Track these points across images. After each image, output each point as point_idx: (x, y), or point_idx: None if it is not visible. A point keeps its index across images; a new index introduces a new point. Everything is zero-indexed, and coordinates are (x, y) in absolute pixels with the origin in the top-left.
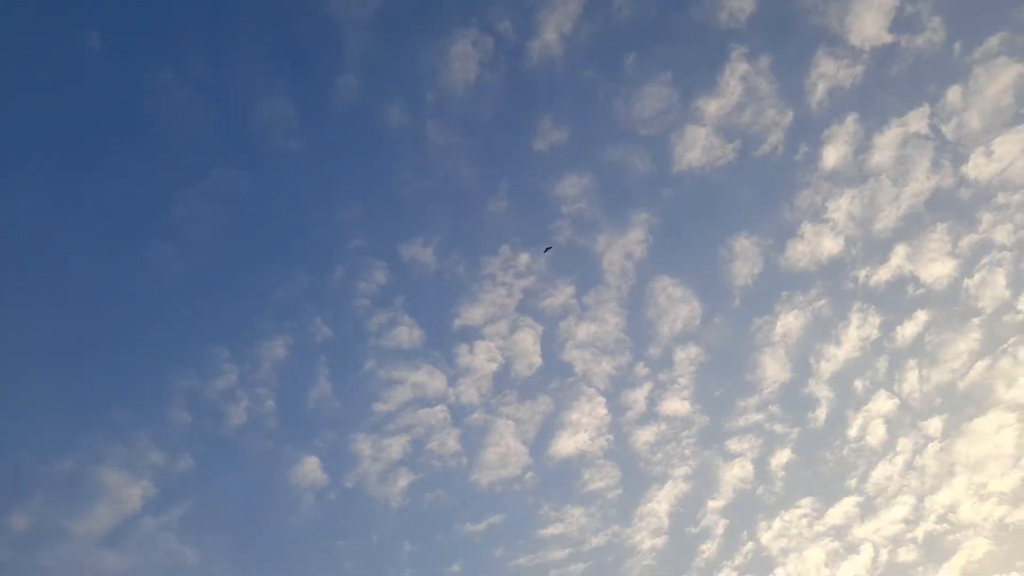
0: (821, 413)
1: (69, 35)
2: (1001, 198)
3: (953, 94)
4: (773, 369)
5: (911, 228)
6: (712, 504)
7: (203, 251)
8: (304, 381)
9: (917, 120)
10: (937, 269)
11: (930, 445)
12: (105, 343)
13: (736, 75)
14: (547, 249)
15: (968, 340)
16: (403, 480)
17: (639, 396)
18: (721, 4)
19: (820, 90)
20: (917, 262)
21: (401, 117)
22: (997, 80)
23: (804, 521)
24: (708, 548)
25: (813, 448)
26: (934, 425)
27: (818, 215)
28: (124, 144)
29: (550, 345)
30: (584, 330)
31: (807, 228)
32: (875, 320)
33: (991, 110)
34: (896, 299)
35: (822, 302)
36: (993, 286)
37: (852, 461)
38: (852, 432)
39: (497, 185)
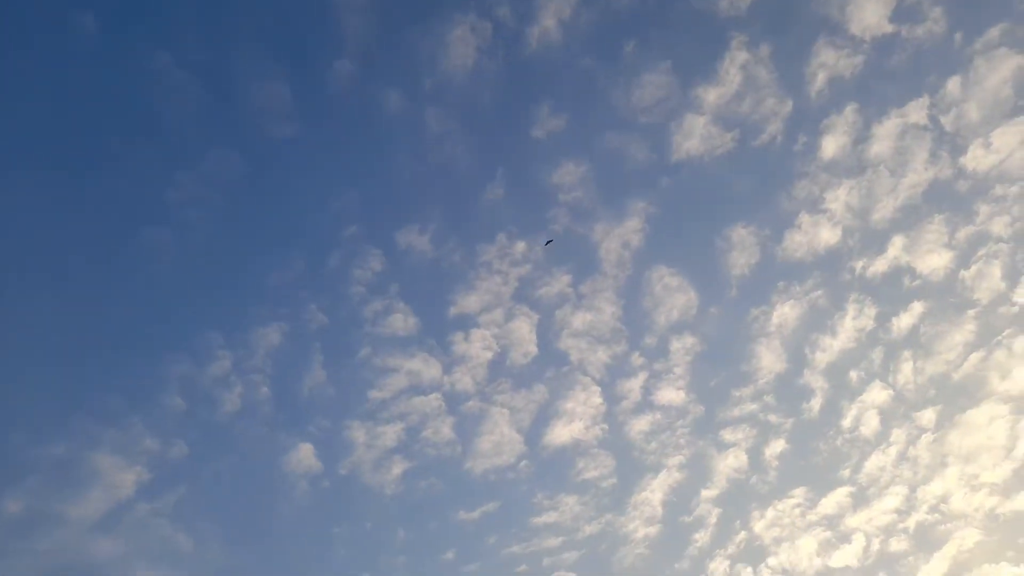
0: (815, 403)
1: (64, 18)
2: (999, 190)
3: (953, 85)
4: (768, 359)
5: (908, 219)
6: (706, 493)
7: (198, 236)
8: (299, 368)
9: (916, 111)
10: (934, 260)
11: (923, 436)
12: (99, 328)
13: (736, 64)
14: (548, 243)
15: (963, 332)
16: (397, 468)
17: (634, 385)
18: None
19: (820, 80)
20: (914, 253)
21: (398, 103)
22: (997, 71)
23: (797, 511)
24: (701, 537)
25: (807, 438)
26: (927, 416)
27: (816, 205)
28: (119, 128)
29: (546, 334)
30: (580, 319)
31: (805, 218)
32: (871, 311)
33: (990, 101)
34: (892, 290)
35: (818, 293)
36: (989, 278)
37: (845, 451)
38: (846, 423)
39: (494, 172)
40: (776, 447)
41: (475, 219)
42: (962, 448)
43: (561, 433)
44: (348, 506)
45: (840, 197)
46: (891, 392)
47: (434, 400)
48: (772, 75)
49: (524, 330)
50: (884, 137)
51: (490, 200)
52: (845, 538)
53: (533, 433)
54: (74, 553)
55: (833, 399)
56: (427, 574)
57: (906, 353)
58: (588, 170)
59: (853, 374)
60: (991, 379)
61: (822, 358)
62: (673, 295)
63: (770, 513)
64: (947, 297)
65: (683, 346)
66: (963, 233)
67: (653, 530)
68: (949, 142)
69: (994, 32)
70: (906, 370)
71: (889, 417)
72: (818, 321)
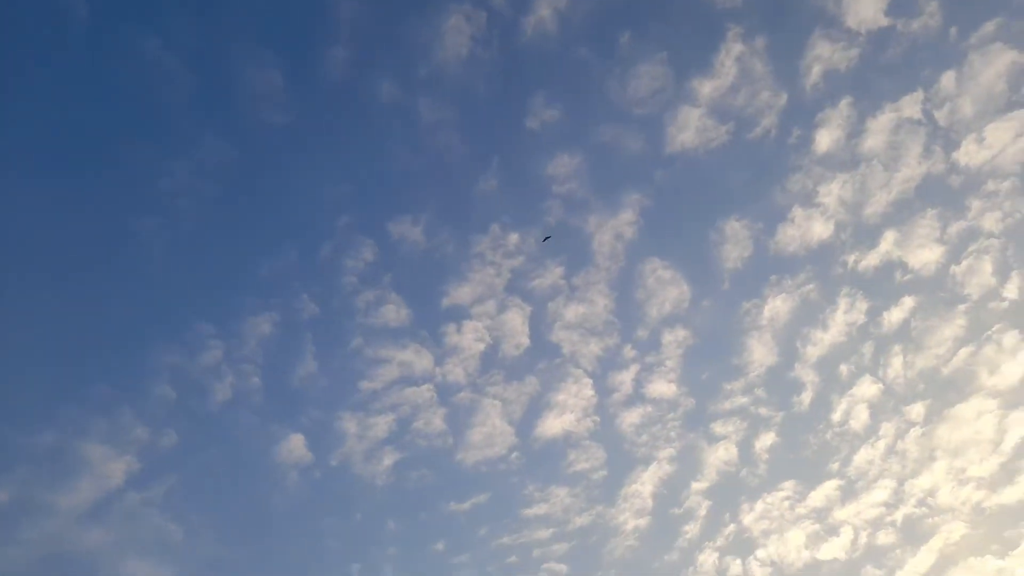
0: (806, 397)
1: (55, 3)
2: (991, 185)
3: (947, 79)
4: (760, 353)
5: (901, 214)
6: (696, 486)
7: (189, 225)
8: (290, 358)
9: (910, 105)
10: (925, 255)
11: (912, 430)
12: (89, 316)
13: (731, 56)
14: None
15: (953, 326)
16: (388, 458)
17: (626, 378)
18: None
19: (815, 73)
20: (906, 248)
21: (392, 92)
22: (991, 66)
23: (786, 503)
24: (691, 529)
25: (797, 432)
26: (916, 410)
27: (809, 199)
28: (109, 115)
29: (538, 326)
30: (572, 311)
31: (798, 212)
32: (862, 305)
33: (984, 96)
34: (884, 285)
35: (810, 286)
36: (980, 273)
37: (835, 445)
38: (836, 416)
39: (488, 163)
40: (766, 440)
41: (468, 210)
42: (950, 442)
43: (552, 425)
44: (339, 497)
45: (833, 191)
46: (881, 386)
47: (426, 391)
48: (767, 68)
49: (516, 322)
50: (878, 131)
51: (484, 191)
52: (833, 531)
53: (524, 425)
54: (63, 543)
55: (823, 393)
56: (417, 565)
57: (896, 347)
58: (582, 161)
59: (843, 368)
60: (980, 374)
61: (813, 352)
62: (666, 288)
63: (759, 506)
64: (938, 292)
65: (675, 339)
66: (955, 228)
67: (643, 522)
68: (943, 137)
69: (989, 27)
70: (896, 364)
71: (878, 411)
72: (810, 315)
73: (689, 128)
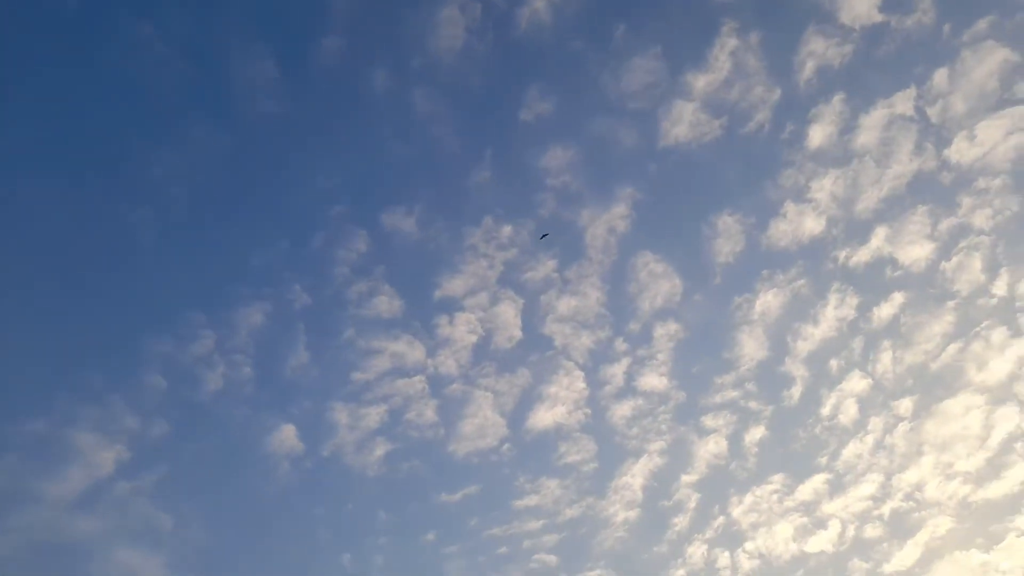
0: (796, 391)
1: None
2: (981, 183)
3: (940, 77)
4: (751, 347)
5: (892, 210)
6: (686, 478)
7: (181, 214)
8: (282, 348)
9: (903, 102)
10: (915, 252)
11: (900, 425)
12: (79, 305)
13: (726, 50)
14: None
15: (942, 323)
16: (380, 449)
17: (617, 371)
18: None
19: (809, 68)
20: (896, 244)
21: (386, 82)
22: (983, 64)
23: (775, 497)
24: (680, 521)
25: (786, 426)
26: (905, 405)
27: (801, 195)
28: (100, 102)
29: (531, 318)
30: (565, 304)
31: (790, 207)
32: (853, 301)
33: (976, 94)
34: (874, 280)
35: (801, 282)
36: (969, 270)
37: (824, 439)
38: (825, 411)
39: (482, 155)
40: (756, 434)
41: (461, 202)
42: (938, 437)
43: (544, 417)
44: (330, 487)
45: (825, 187)
46: (870, 381)
47: (418, 383)
48: (761, 63)
49: (509, 314)
50: (870, 127)
51: (477, 183)
52: (821, 524)
53: (516, 417)
54: (52, 531)
55: (813, 387)
56: (408, 555)
57: (886, 343)
58: (576, 154)
59: (833, 363)
60: (968, 370)
61: (803, 347)
62: (658, 281)
63: (748, 499)
64: (927, 288)
65: (666, 332)
66: (945, 225)
67: (633, 514)
68: (934, 134)
69: (982, 24)
70: (885, 360)
71: (867, 406)
72: (800, 310)
73: (683, 122)
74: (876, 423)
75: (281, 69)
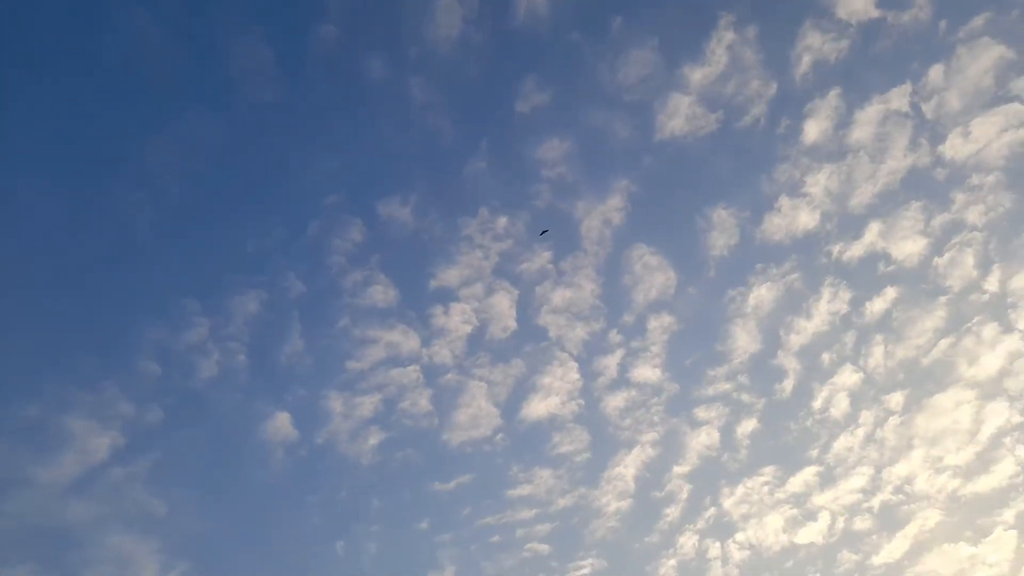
0: (788, 384)
1: None
2: (975, 179)
3: (935, 73)
4: (744, 340)
5: (886, 205)
6: (678, 470)
7: (175, 200)
8: (277, 336)
9: (898, 97)
10: (908, 247)
11: (891, 419)
12: (72, 289)
13: (723, 44)
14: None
15: (934, 318)
16: (374, 438)
17: (611, 362)
18: None
19: (805, 63)
20: (890, 239)
21: (382, 71)
22: (979, 60)
23: (766, 488)
24: (672, 512)
25: (778, 418)
26: (896, 399)
27: (796, 189)
28: (95, 86)
29: (525, 309)
30: (560, 295)
31: (784, 201)
32: (845, 295)
33: (971, 90)
34: (867, 275)
35: (795, 276)
36: (962, 265)
37: (815, 432)
38: (817, 404)
39: (477, 145)
40: (748, 426)
41: (457, 192)
42: (928, 431)
43: (537, 408)
44: (324, 475)
45: (820, 181)
46: (861, 375)
47: (412, 372)
48: (758, 57)
49: (504, 305)
50: (866, 123)
51: (473, 173)
52: (811, 516)
53: (510, 407)
54: (46, 516)
55: (805, 380)
56: (401, 543)
57: (878, 337)
58: (572, 146)
59: (826, 356)
60: (959, 365)
61: (796, 340)
62: (652, 274)
63: (739, 490)
64: (920, 283)
65: (660, 325)
66: (938, 220)
67: (625, 504)
68: (929, 130)
69: (978, 21)
70: (877, 354)
71: (858, 399)
72: (794, 304)
73: (679, 115)
74: (867, 417)
75: (277, 57)
